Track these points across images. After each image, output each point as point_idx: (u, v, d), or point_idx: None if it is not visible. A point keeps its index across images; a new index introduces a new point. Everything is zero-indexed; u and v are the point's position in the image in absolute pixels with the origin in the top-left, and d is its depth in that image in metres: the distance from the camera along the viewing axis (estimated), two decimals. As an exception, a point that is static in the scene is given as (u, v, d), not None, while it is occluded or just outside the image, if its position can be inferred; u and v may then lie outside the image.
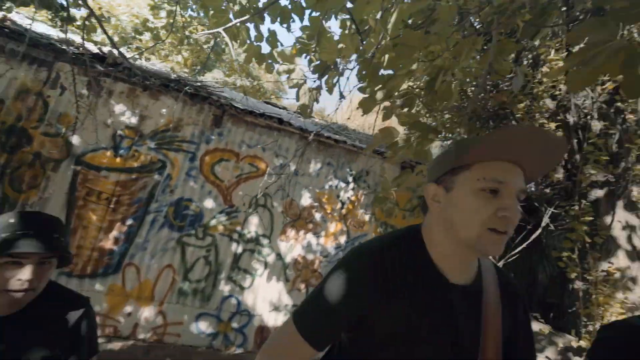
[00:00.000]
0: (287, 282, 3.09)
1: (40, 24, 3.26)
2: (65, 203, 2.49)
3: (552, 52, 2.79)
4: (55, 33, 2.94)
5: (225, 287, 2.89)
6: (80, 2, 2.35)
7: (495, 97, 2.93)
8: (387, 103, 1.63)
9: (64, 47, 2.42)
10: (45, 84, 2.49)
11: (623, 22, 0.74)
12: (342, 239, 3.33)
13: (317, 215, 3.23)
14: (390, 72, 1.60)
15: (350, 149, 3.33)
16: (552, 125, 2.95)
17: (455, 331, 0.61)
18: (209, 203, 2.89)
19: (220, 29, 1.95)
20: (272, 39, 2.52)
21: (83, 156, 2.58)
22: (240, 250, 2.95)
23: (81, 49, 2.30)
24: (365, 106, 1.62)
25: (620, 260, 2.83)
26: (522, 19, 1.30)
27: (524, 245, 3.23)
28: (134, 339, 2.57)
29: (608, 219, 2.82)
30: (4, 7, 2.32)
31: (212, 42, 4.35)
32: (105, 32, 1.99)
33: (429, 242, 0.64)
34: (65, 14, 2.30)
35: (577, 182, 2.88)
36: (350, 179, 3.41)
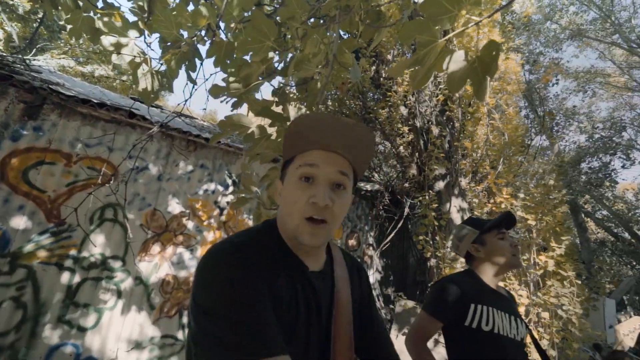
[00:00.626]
0: (152, 310, 2.55)
1: None
2: None
3: (392, 52, 3.24)
4: None
5: (53, 334, 2.15)
6: None
7: (341, 88, 3.21)
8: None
9: None
10: None
11: (438, 24, 0.79)
12: (222, 249, 3.01)
13: (190, 225, 2.80)
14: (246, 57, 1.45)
15: (227, 149, 3.05)
16: (405, 129, 3.46)
17: (318, 313, 0.63)
18: (19, 222, 2.09)
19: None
20: (108, 8, 2.03)
21: None
22: (76, 280, 2.25)
23: None
24: (215, 93, 1.42)
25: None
26: (361, 19, 1.37)
27: (392, 234, 3.68)
28: None
29: (447, 205, 3.48)
30: None
31: (40, 14, 3.27)
32: None
33: (284, 234, 0.64)
34: None
35: (426, 176, 3.45)
36: (229, 182, 3.13)
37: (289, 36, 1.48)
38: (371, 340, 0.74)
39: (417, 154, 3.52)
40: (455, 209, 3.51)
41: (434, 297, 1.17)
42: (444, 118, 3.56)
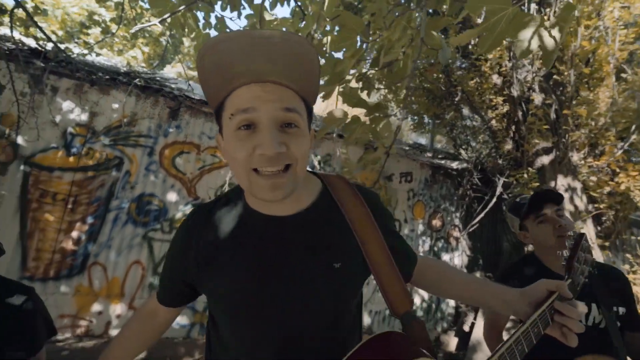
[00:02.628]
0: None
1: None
2: (17, 206, 2.42)
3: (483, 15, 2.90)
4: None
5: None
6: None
7: (430, 71, 3.05)
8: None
9: (-3, 43, 2.29)
10: (-18, 83, 2.36)
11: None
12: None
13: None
14: (339, 56, 1.65)
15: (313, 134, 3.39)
16: (499, 99, 3.12)
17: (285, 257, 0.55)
18: (172, 196, 2.88)
19: (165, 17, 1.92)
20: (221, 26, 2.50)
21: (32, 157, 2.50)
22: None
23: (9, 43, 2.19)
24: (326, 90, 1.66)
25: (564, 220, 3.09)
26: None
27: (481, 215, 3.46)
28: (107, 337, 2.58)
29: (552, 184, 3.05)
30: None
31: (167, 34, 4.20)
32: (36, 24, 1.91)
33: (246, 190, 0.58)
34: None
35: (524, 151, 3.08)
36: (316, 163, 3.48)
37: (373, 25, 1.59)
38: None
39: (513, 127, 3.15)
40: (563, 188, 3.06)
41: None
42: (550, 83, 3.06)
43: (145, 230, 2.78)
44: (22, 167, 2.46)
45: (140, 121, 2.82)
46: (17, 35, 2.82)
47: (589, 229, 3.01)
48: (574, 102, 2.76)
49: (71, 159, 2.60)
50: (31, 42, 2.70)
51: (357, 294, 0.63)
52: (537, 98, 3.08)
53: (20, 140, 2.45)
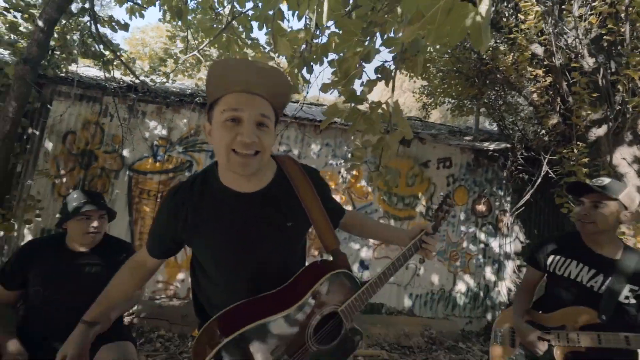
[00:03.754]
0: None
1: (88, 69, 4.20)
2: (126, 201, 3.33)
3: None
4: (100, 73, 3.80)
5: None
6: (111, 49, 3.08)
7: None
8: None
9: (106, 84, 3.20)
10: (99, 114, 3.33)
11: None
12: (348, 209, 3.72)
13: (322, 191, 3.67)
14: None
15: (344, 128, 3.67)
16: (540, 71, 2.90)
17: (245, 231, 0.78)
18: (229, 190, 3.52)
19: (209, 41, 2.47)
20: (255, 45, 3.00)
21: (133, 165, 3.38)
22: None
23: (114, 83, 3.04)
24: (325, 89, 1.99)
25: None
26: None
27: (526, 197, 3.25)
28: (188, 299, 3.34)
29: (607, 158, 2.74)
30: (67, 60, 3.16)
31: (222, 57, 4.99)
32: (130, 70, 2.66)
33: (220, 168, 0.79)
34: (102, 60, 3.04)
35: (572, 125, 2.83)
36: (349, 155, 3.76)
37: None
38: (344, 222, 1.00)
39: (558, 99, 2.90)
40: (625, 162, 2.72)
41: (531, 249, 1.50)
42: (604, 45, 2.73)
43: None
44: (127, 173, 3.36)
45: (202, 131, 3.52)
46: (117, 74, 3.82)
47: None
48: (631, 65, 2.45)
49: (157, 164, 3.42)
50: (127, 79, 3.64)
51: (302, 240, 0.94)
52: (588, 62, 2.78)
53: (125, 153, 3.36)
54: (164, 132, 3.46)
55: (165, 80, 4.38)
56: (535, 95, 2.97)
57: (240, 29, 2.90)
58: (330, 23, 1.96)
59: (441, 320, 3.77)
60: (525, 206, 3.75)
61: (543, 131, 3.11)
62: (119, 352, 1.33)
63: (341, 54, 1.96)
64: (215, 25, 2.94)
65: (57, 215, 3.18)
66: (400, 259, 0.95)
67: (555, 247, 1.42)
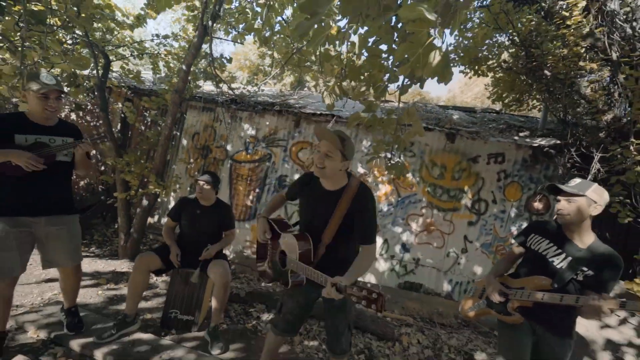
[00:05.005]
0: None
1: (207, 85, 5.81)
2: (228, 181, 4.69)
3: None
4: (214, 88, 5.31)
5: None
6: (219, 78, 4.40)
7: None
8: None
9: (217, 99, 4.57)
10: (213, 120, 4.76)
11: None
12: (393, 198, 4.26)
13: (369, 179, 4.30)
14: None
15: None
16: (594, 65, 2.81)
17: (322, 210, 1.57)
18: (296, 176, 4.52)
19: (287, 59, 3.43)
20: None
21: (233, 156, 4.72)
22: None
23: (222, 97, 4.36)
24: (356, 98, 2.70)
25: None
26: None
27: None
28: (265, 256, 4.52)
29: (668, 157, 2.54)
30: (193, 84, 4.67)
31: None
32: (230, 88, 3.86)
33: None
34: (215, 82, 4.38)
35: (631, 120, 2.70)
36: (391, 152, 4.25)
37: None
38: (355, 233, 1.55)
39: (616, 93, 2.76)
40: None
41: (522, 230, 1.85)
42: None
43: (283, 197, 4.55)
44: (229, 162, 4.72)
45: (279, 131, 4.61)
46: (225, 88, 5.27)
47: None
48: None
49: (248, 156, 4.67)
50: (230, 91, 5.00)
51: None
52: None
53: (228, 147, 4.72)
54: (253, 132, 4.68)
55: (257, 90, 5.69)
56: (589, 89, 2.89)
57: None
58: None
59: (480, 308, 3.95)
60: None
61: (597, 127, 2.95)
62: (223, 265, 2.40)
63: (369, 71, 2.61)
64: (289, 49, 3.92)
65: (188, 189, 4.75)
66: (314, 274, 1.45)
67: (537, 229, 1.71)
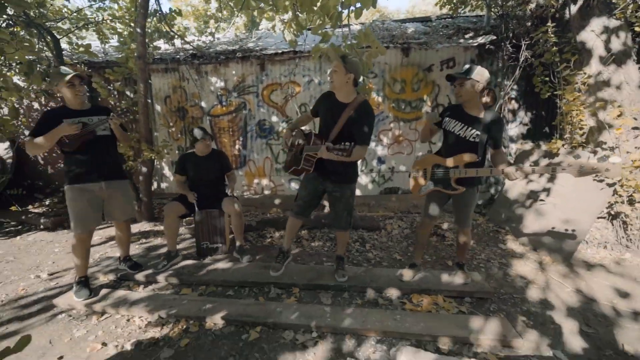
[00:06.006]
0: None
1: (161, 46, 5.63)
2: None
3: None
4: (170, 48, 5.21)
5: (299, 164, 5.00)
6: (175, 33, 4.34)
7: None
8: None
9: (178, 57, 4.58)
10: (180, 80, 4.83)
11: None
12: (364, 119, 4.74)
13: (340, 108, 4.72)
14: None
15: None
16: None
17: (334, 116, 2.05)
18: (274, 118, 4.87)
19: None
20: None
21: (209, 112, 4.94)
22: (299, 141, 4.90)
23: (182, 53, 4.39)
24: (314, 32, 2.95)
25: (593, 67, 3.06)
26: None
27: (510, 85, 3.69)
28: (261, 194, 5.13)
29: (580, 36, 3.03)
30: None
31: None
32: (185, 42, 3.90)
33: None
34: (171, 40, 4.36)
35: (547, 6, 3.10)
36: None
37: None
38: (353, 135, 2.02)
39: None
40: (594, 34, 3.01)
41: (441, 112, 2.27)
42: None
43: (266, 141, 4.96)
44: (207, 118, 4.96)
45: (247, 77, 4.77)
46: (178, 44, 5.17)
47: (629, 72, 2.96)
48: None
49: (224, 108, 4.91)
50: (187, 47, 4.96)
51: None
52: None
53: (202, 104, 4.91)
54: (222, 84, 4.83)
55: (212, 39, 5.59)
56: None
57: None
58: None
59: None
60: (528, 91, 4.15)
61: (524, 18, 3.35)
62: (233, 200, 2.94)
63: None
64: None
65: (177, 152, 5.07)
66: (313, 147, 2.10)
67: (448, 112, 2.12)
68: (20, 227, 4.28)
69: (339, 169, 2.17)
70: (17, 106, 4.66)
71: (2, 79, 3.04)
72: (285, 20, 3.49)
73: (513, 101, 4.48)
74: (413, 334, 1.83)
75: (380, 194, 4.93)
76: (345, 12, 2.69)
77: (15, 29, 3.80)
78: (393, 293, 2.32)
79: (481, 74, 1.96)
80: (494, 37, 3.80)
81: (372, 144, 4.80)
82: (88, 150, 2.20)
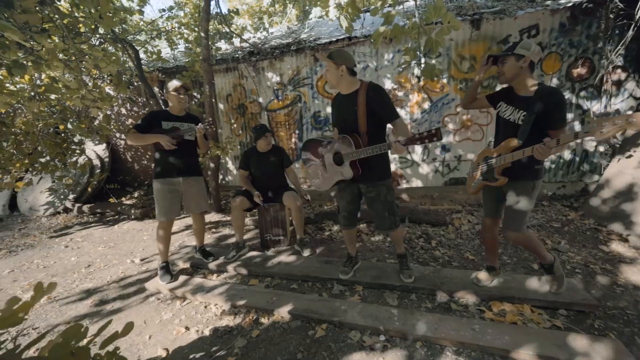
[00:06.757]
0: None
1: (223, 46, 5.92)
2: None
3: None
4: (227, 47, 5.45)
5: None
6: (234, 33, 4.51)
7: None
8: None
9: (237, 56, 4.75)
10: (239, 78, 5.04)
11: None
12: (426, 105, 4.37)
13: (400, 93, 4.41)
14: None
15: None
16: None
17: (348, 110, 1.95)
18: (329, 109, 4.79)
19: None
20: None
21: (267, 107, 5.09)
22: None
23: (240, 52, 4.54)
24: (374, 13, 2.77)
25: None
26: None
27: (621, 47, 2.95)
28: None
29: None
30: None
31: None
32: (243, 39, 4.01)
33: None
34: (227, 37, 4.54)
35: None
36: (419, 54, 4.20)
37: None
38: (381, 116, 1.89)
39: None
40: None
41: (494, 93, 1.98)
42: None
43: (321, 132, 4.92)
44: (265, 113, 5.11)
45: (302, 70, 4.76)
46: (237, 42, 5.38)
47: None
48: None
49: (280, 103, 5.00)
50: (245, 45, 5.12)
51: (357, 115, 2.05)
52: None
53: (260, 100, 5.06)
54: (278, 78, 4.90)
55: (266, 35, 5.69)
56: None
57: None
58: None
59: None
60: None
61: None
62: (292, 194, 2.99)
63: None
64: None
65: (238, 147, 5.36)
66: (374, 149, 1.85)
67: (502, 95, 1.86)
68: (117, 216, 5.03)
69: (370, 167, 2.01)
70: (109, 113, 5.41)
71: (98, 90, 3.51)
72: (342, 5, 3.33)
73: (619, 70, 3.65)
74: (496, 349, 1.62)
75: (445, 184, 4.54)
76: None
77: (104, 46, 4.35)
78: (468, 298, 2.10)
79: (527, 47, 1.66)
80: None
81: (435, 131, 4.41)
82: (175, 151, 2.49)
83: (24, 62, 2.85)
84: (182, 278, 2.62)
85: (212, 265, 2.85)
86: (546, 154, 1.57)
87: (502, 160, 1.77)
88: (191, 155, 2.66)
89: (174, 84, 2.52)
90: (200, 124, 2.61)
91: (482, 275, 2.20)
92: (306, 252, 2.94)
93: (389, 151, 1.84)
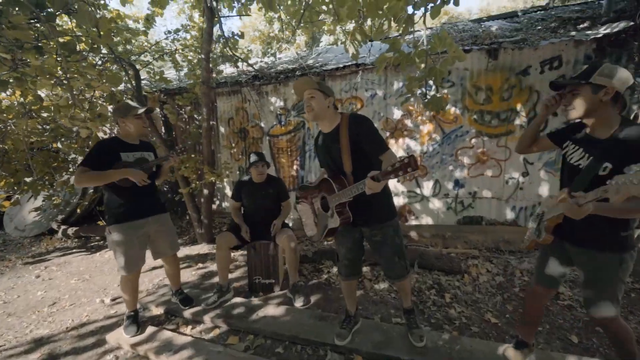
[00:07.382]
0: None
1: (226, 69, 5.84)
2: (270, 158, 4.89)
3: None
4: (232, 70, 5.34)
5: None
6: (238, 57, 4.38)
7: None
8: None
9: (240, 80, 4.61)
10: (242, 101, 4.86)
11: None
12: (438, 136, 4.06)
13: (409, 123, 4.12)
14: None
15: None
16: None
17: (332, 150, 1.68)
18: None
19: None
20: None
21: (269, 132, 4.85)
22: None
23: (244, 75, 4.38)
24: (378, 36, 2.55)
25: None
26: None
27: None
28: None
29: None
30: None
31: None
32: (248, 64, 3.85)
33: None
34: (235, 63, 4.40)
35: None
36: (431, 83, 3.96)
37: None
38: (368, 152, 1.60)
39: None
40: None
41: (562, 128, 1.56)
42: None
43: (325, 160, 4.64)
44: (267, 138, 4.88)
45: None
46: (242, 66, 5.27)
47: None
48: None
49: (283, 128, 4.76)
50: (249, 68, 5.00)
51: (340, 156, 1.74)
52: None
53: (262, 124, 4.85)
54: (282, 103, 4.70)
55: (274, 60, 5.58)
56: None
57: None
58: None
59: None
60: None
61: None
62: (288, 233, 2.63)
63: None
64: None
65: (237, 172, 5.08)
66: (351, 189, 1.54)
67: (571, 133, 1.46)
68: (102, 241, 4.70)
69: (371, 207, 1.70)
70: (108, 132, 5.25)
71: (90, 110, 3.31)
72: (349, 31, 3.14)
73: (653, 106, 3.31)
74: None
75: (458, 223, 4.12)
76: (418, 12, 2.23)
77: (106, 65, 4.24)
78: (497, 388, 1.64)
79: (609, 73, 1.23)
80: (630, 22, 2.82)
81: (448, 166, 4.07)
82: (137, 187, 2.09)
83: (6, 79, 2.68)
84: (149, 330, 2.22)
85: (188, 313, 2.45)
86: (577, 213, 1.18)
87: (551, 214, 1.42)
88: (154, 189, 2.29)
89: (137, 107, 2.08)
90: (172, 152, 2.29)
91: (512, 353, 1.75)
92: (299, 302, 2.53)
93: (365, 190, 1.46)
